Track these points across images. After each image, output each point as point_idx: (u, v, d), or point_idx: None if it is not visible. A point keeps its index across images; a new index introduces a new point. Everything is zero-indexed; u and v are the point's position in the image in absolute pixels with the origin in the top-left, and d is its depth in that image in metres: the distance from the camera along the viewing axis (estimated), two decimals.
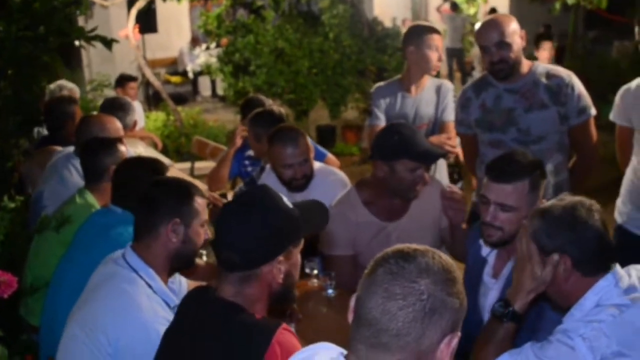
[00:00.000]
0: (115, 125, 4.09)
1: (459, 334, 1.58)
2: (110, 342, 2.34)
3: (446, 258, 1.60)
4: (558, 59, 15.23)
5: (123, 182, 3.07)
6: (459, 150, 4.37)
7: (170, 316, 2.40)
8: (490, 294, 2.79)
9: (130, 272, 2.47)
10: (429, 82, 4.50)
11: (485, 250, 2.90)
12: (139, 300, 2.39)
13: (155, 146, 7.83)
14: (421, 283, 1.52)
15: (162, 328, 2.26)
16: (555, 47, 15.35)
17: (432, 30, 4.44)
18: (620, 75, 11.64)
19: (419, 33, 4.43)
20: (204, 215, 2.57)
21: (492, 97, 3.74)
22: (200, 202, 2.55)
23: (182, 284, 2.85)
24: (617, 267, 2.26)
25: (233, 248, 2.03)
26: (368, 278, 1.59)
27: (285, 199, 2.12)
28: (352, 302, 1.63)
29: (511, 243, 2.74)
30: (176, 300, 2.51)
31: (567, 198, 2.28)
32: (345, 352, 1.63)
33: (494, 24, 3.63)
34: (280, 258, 2.05)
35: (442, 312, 1.53)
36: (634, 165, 3.79)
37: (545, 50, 6.37)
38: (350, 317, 1.62)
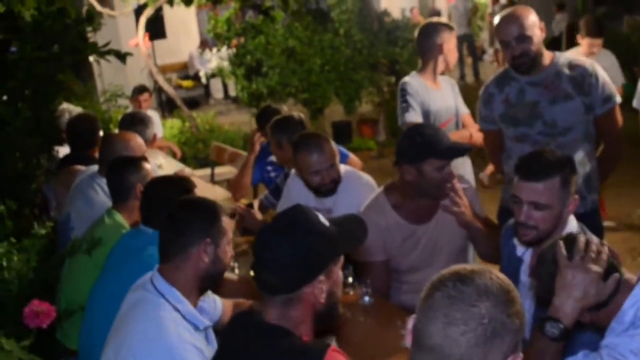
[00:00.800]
0: (138, 142, 4.10)
1: (521, 354, 1.55)
2: None
3: (503, 277, 1.57)
4: (569, 36, 15.16)
5: (152, 203, 3.07)
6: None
7: (198, 340, 2.41)
8: (530, 293, 2.75)
9: (157, 297, 2.45)
10: (441, 77, 4.57)
11: (520, 249, 2.87)
12: (165, 325, 2.37)
13: (174, 155, 7.84)
14: (481, 307, 1.50)
15: (189, 354, 2.27)
16: (566, 25, 15.31)
17: (452, 27, 4.54)
18: (631, 50, 11.58)
19: (446, 29, 4.49)
20: (230, 234, 2.57)
21: (515, 91, 3.70)
22: (226, 221, 2.54)
23: (217, 303, 2.84)
24: None
25: (273, 271, 2.02)
26: (426, 302, 1.56)
27: (321, 217, 2.10)
28: (410, 324, 1.60)
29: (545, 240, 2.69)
30: (206, 322, 2.51)
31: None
32: None
33: (513, 17, 3.58)
34: (321, 278, 2.03)
35: (503, 334, 1.50)
36: None
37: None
38: (408, 339, 1.60)
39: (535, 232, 2.70)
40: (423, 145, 3.25)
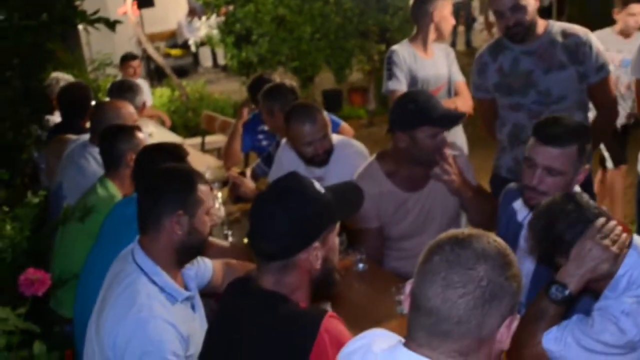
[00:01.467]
0: (129, 110, 4.08)
1: (518, 316, 1.57)
2: (110, 342, 2.32)
3: (500, 241, 1.58)
4: (559, 6, 15.11)
5: (145, 170, 3.06)
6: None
7: (176, 312, 2.39)
8: (527, 259, 2.77)
9: (135, 269, 2.44)
10: (434, 45, 4.55)
11: (521, 214, 2.87)
12: (139, 299, 2.35)
13: (164, 124, 7.82)
14: (479, 269, 1.51)
15: (159, 329, 2.26)
16: None
17: None
18: None
19: None
20: (209, 202, 2.52)
21: (509, 60, 3.70)
22: (203, 190, 2.50)
23: (207, 265, 2.83)
24: (635, 238, 2.24)
25: (268, 238, 2.03)
26: (424, 266, 1.57)
27: (316, 184, 2.11)
28: (407, 289, 1.62)
29: None
30: (185, 293, 2.47)
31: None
32: (402, 339, 1.62)
33: None
34: (316, 244, 2.04)
35: (501, 297, 1.52)
36: None
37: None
38: (406, 304, 1.61)
39: (544, 197, 2.63)
40: (416, 112, 3.24)
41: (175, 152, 3.08)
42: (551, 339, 2.23)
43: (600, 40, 3.68)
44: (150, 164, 3.00)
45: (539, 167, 2.65)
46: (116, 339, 2.30)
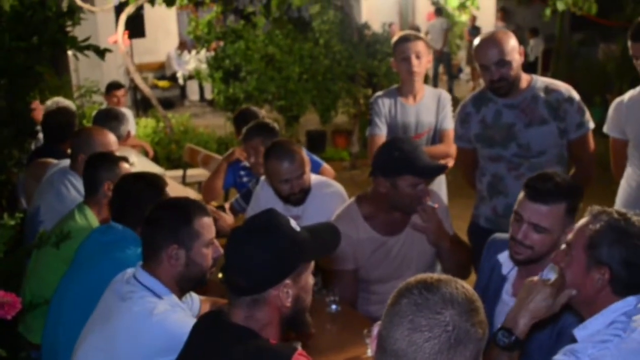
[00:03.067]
0: (108, 139, 4.05)
1: None
2: (135, 356, 2.35)
3: (468, 287, 1.61)
4: (544, 61, 15.36)
5: (123, 199, 3.06)
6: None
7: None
8: (505, 310, 2.76)
9: (143, 290, 2.46)
10: (427, 91, 4.55)
11: (505, 268, 2.88)
12: (158, 305, 2.41)
13: (147, 154, 7.80)
14: (446, 314, 1.53)
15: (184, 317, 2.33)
16: (543, 49, 15.51)
17: (406, 39, 4.44)
18: (606, 78, 11.76)
19: (395, 44, 4.48)
20: (208, 234, 2.54)
21: (492, 112, 3.74)
22: (202, 223, 2.52)
23: (195, 301, 2.84)
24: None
25: (239, 272, 2.03)
26: (392, 308, 1.59)
27: (292, 222, 2.11)
28: (375, 331, 1.63)
29: (538, 262, 2.72)
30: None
31: (635, 217, 2.23)
32: None
33: (493, 42, 3.61)
34: (288, 281, 2.04)
35: (466, 342, 1.53)
36: (628, 175, 3.81)
37: None
38: (373, 346, 1.63)
39: (530, 252, 2.70)
40: (400, 160, 3.27)
41: (153, 182, 3.08)
42: None
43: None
44: (128, 193, 3.03)
45: (525, 223, 2.67)
46: (139, 343, 2.34)
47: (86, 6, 9.71)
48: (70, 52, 5.87)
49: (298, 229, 2.11)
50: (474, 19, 17.29)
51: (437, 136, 4.50)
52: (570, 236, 2.32)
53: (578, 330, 2.26)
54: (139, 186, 3.04)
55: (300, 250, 2.07)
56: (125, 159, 3.61)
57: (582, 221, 2.30)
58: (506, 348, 2.28)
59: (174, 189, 5.89)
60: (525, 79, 3.70)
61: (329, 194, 3.85)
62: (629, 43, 3.60)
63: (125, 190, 3.06)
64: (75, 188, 3.89)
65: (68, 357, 2.59)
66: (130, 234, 2.98)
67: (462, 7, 10.17)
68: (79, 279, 2.96)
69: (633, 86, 3.86)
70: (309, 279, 2.13)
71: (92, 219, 3.45)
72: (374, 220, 3.46)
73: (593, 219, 2.26)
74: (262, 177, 4.11)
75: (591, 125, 3.71)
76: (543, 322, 2.40)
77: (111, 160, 3.55)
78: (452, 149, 4.32)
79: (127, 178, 3.19)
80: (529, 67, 13.68)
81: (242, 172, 4.97)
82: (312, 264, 2.14)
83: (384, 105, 4.47)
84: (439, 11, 15.64)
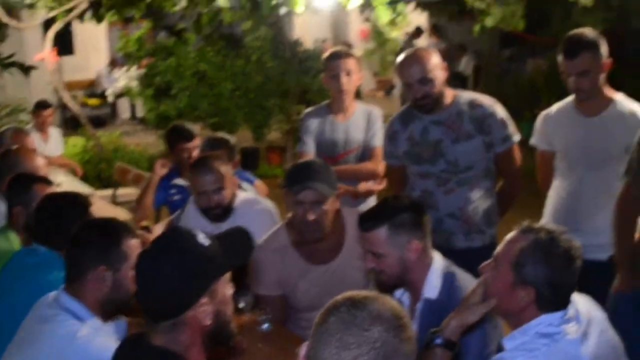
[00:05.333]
0: (36, 161, 3.93)
1: None
2: None
3: (395, 303, 1.60)
4: (475, 77, 15.62)
5: (45, 220, 2.98)
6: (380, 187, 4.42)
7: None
8: None
9: (65, 314, 2.39)
10: (358, 108, 4.50)
11: (398, 292, 2.90)
12: (80, 329, 2.34)
13: (75, 173, 7.65)
14: (374, 331, 1.51)
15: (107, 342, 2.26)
16: (474, 65, 15.77)
17: (337, 56, 4.40)
18: (534, 93, 12.02)
19: (326, 61, 4.45)
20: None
21: (419, 129, 3.76)
22: (130, 245, 2.46)
23: (121, 324, 2.76)
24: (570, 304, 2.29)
25: (152, 298, 1.96)
26: (320, 327, 1.57)
27: (200, 236, 2.02)
28: (302, 351, 1.60)
29: (408, 284, 2.81)
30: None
31: (563, 236, 2.27)
32: None
33: (415, 60, 3.63)
34: (204, 300, 1.96)
35: (395, 359, 1.51)
36: (556, 186, 3.87)
37: None
38: None
39: (384, 276, 2.77)
40: (287, 174, 3.34)
41: (76, 201, 3.01)
42: None
43: None
44: (50, 214, 2.95)
45: (366, 251, 2.78)
46: None
47: (12, 22, 9.49)
48: None
49: (207, 242, 2.01)
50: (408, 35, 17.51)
51: (366, 154, 4.47)
52: (498, 249, 2.34)
53: (506, 340, 2.29)
54: (61, 206, 2.97)
55: (212, 266, 1.99)
56: (46, 180, 3.51)
57: (510, 236, 2.32)
58: (436, 346, 2.33)
59: (104, 209, 5.78)
60: (449, 94, 3.73)
61: (257, 211, 3.81)
62: (560, 60, 3.66)
63: (47, 211, 2.98)
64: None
65: None
66: (54, 257, 2.89)
67: (392, 23, 10.25)
68: (1, 302, 2.85)
69: (561, 100, 3.93)
70: (226, 291, 2.05)
71: (16, 242, 3.34)
72: (303, 247, 3.39)
73: (521, 236, 2.28)
74: (192, 197, 4.04)
75: (516, 138, 3.77)
76: (472, 326, 2.43)
77: (23, 182, 3.42)
78: (380, 166, 4.31)
79: (49, 198, 3.10)
80: (461, 80, 13.89)
81: (172, 191, 4.89)
82: (228, 275, 2.07)
83: (313, 122, 4.45)
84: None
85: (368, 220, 2.75)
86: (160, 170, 4.71)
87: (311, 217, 3.21)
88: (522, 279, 2.23)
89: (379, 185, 4.39)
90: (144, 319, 2.01)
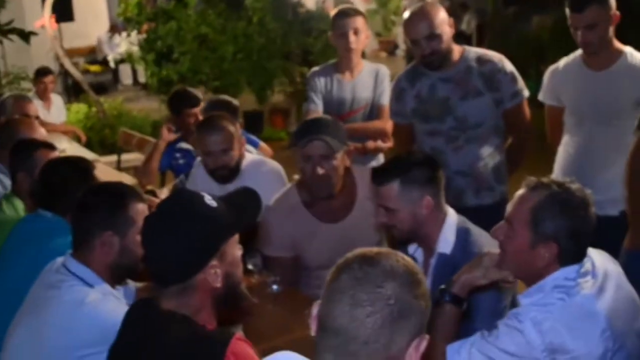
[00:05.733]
0: (34, 130, 3.89)
1: (427, 336, 1.54)
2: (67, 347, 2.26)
3: (408, 260, 1.55)
4: (479, 36, 15.48)
5: (49, 185, 2.95)
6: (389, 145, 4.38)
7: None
8: None
9: (73, 279, 2.37)
10: (365, 67, 4.46)
11: (411, 248, 2.90)
12: (89, 293, 2.33)
13: (79, 140, 7.62)
14: (387, 287, 1.47)
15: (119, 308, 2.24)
16: (476, 24, 15.62)
17: (345, 14, 4.36)
18: (540, 50, 11.91)
19: (334, 19, 4.41)
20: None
21: (426, 86, 3.70)
22: (137, 209, 2.42)
23: (130, 289, 2.76)
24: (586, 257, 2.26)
25: (160, 262, 1.94)
26: (331, 285, 1.53)
27: (207, 198, 2.00)
28: (314, 310, 1.56)
29: (421, 238, 2.82)
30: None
31: (573, 186, 2.24)
32: None
33: (421, 16, 3.56)
34: (214, 262, 1.94)
35: (409, 315, 1.48)
36: (565, 142, 3.84)
37: None
38: (313, 326, 1.56)
39: (397, 230, 2.79)
40: (296, 130, 3.32)
41: (80, 166, 2.98)
42: (455, 351, 2.22)
43: None
44: (54, 179, 2.92)
45: (379, 205, 2.78)
46: (71, 334, 2.25)
47: None
48: None
49: (214, 204, 1.99)
50: None
51: (374, 112, 4.44)
52: (508, 210, 2.31)
53: (522, 297, 2.28)
54: (65, 171, 2.94)
55: (220, 228, 1.97)
56: (49, 145, 3.47)
57: (518, 195, 2.29)
58: (444, 302, 2.34)
59: (109, 174, 5.76)
60: (457, 50, 3.68)
61: (264, 172, 3.78)
62: (568, 13, 3.59)
63: (51, 177, 2.94)
64: (1, 182, 3.75)
65: None
66: (60, 222, 2.86)
67: None
68: (8, 270, 2.84)
69: (566, 57, 3.87)
70: (236, 252, 2.04)
71: (21, 209, 3.31)
72: (314, 206, 3.36)
73: (531, 192, 2.24)
74: (199, 158, 4.01)
75: (526, 93, 3.72)
76: (483, 287, 2.43)
77: (26, 148, 3.39)
78: (389, 125, 4.27)
79: (52, 163, 3.07)
80: (464, 39, 13.76)
81: (177, 154, 4.87)
82: (236, 236, 2.04)
83: (320, 81, 4.41)
84: None
85: (381, 175, 2.75)
86: (167, 135, 4.69)
87: (320, 171, 3.18)
88: (542, 235, 2.19)
89: (387, 143, 4.36)
90: (152, 283, 1.99)
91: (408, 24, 3.62)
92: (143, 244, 1.98)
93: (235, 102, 4.65)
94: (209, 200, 1.99)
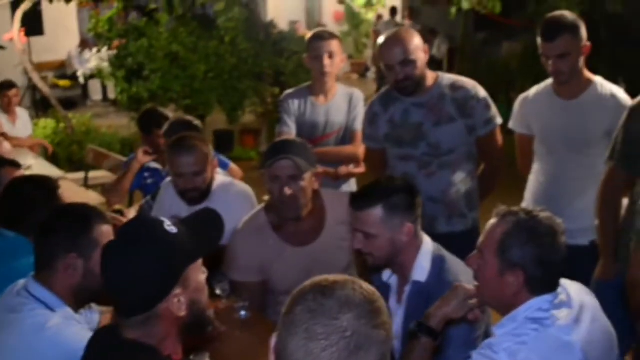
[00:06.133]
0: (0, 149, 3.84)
1: None
2: None
3: (368, 287, 1.50)
4: (450, 61, 15.62)
5: (12, 203, 2.90)
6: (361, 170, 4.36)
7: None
8: (395, 320, 2.73)
9: (34, 302, 2.31)
10: (340, 90, 4.44)
11: (385, 274, 2.87)
12: (50, 318, 2.27)
13: (46, 155, 7.52)
14: (343, 319, 1.42)
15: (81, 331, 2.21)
16: (447, 49, 15.77)
17: (320, 37, 4.33)
18: (509, 76, 12.03)
19: (309, 41, 4.38)
20: None
21: (399, 111, 3.69)
22: (101, 231, 2.36)
23: (94, 314, 2.69)
24: (560, 287, 2.25)
25: (121, 292, 1.87)
26: (287, 317, 1.47)
27: (166, 223, 1.92)
28: (273, 342, 1.51)
29: (397, 265, 2.78)
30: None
31: (542, 214, 2.25)
32: None
33: (396, 41, 3.55)
34: (177, 291, 1.87)
35: (368, 347, 1.43)
36: (536, 170, 3.84)
37: None
38: (272, 358, 1.51)
39: (372, 258, 2.76)
40: (264, 153, 3.29)
41: (44, 184, 2.93)
42: None
43: None
44: (17, 197, 2.88)
45: (355, 231, 2.74)
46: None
47: None
48: None
49: (174, 230, 1.91)
50: (379, 17, 17.47)
51: (347, 136, 4.42)
52: (480, 240, 2.31)
53: (496, 328, 2.26)
54: (29, 190, 2.89)
55: (182, 254, 1.90)
56: (14, 163, 3.41)
57: (490, 224, 2.30)
58: (413, 334, 2.32)
59: (76, 192, 5.68)
60: (431, 76, 3.67)
61: (234, 194, 3.72)
62: (539, 42, 3.61)
63: (14, 194, 2.90)
64: None
65: None
66: (22, 242, 2.80)
67: (368, 4, 10.22)
68: None
69: (536, 84, 3.89)
70: (200, 277, 1.96)
71: None
72: (282, 229, 3.32)
73: (500, 221, 2.25)
74: (167, 179, 3.95)
75: (499, 120, 3.72)
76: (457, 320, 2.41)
77: None
78: (361, 150, 4.25)
79: (16, 181, 3.03)
80: (436, 65, 13.86)
81: (146, 174, 4.81)
82: (200, 261, 1.98)
83: (294, 103, 4.37)
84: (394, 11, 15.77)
85: (362, 199, 2.72)
86: (143, 157, 4.61)
87: (288, 192, 3.14)
88: (508, 263, 2.19)
89: (360, 169, 4.34)
90: (114, 312, 1.93)
91: (383, 49, 3.61)
92: (102, 273, 1.90)
93: (196, 122, 4.58)
94: (168, 226, 1.92)
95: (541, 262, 2.18)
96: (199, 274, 1.96)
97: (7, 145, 3.90)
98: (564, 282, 2.28)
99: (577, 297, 2.26)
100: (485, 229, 2.30)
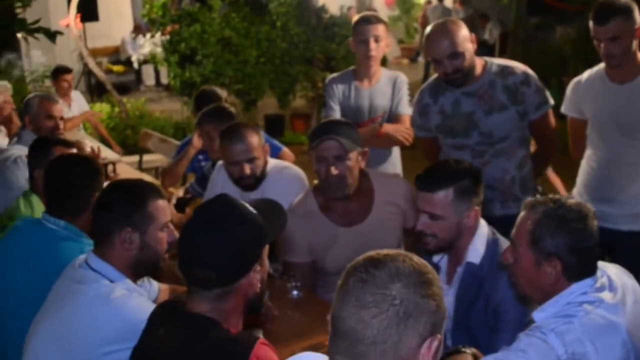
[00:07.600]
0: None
1: (440, 336, 1.56)
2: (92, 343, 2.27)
3: (419, 260, 1.58)
4: (502, 45, 15.44)
5: (54, 187, 2.95)
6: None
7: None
8: (446, 300, 2.75)
9: (96, 275, 2.38)
10: (384, 74, 4.44)
11: (436, 257, 2.89)
12: (113, 288, 2.34)
13: (102, 140, 7.66)
14: (392, 288, 1.51)
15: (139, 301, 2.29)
16: (499, 33, 15.60)
17: (367, 21, 4.34)
18: (562, 61, 11.86)
19: (355, 25, 4.38)
20: (164, 218, 2.45)
21: (450, 102, 3.67)
22: (157, 206, 2.43)
23: (154, 285, 2.77)
24: (599, 270, 2.26)
25: (206, 266, 1.95)
26: (340, 289, 1.57)
27: (248, 207, 2.04)
28: (330, 315, 1.59)
29: (453, 248, 2.79)
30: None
31: (570, 200, 2.26)
32: None
33: (443, 34, 3.50)
34: (257, 267, 2.00)
35: (417, 315, 1.51)
36: (588, 156, 3.81)
37: None
38: (329, 328, 1.59)
39: (435, 240, 2.77)
40: (310, 134, 3.30)
41: (85, 164, 2.98)
42: None
43: None
44: (58, 175, 2.93)
45: (422, 213, 2.74)
46: (96, 329, 2.26)
47: None
48: (20, 35, 5.72)
49: (255, 210, 2.04)
50: (429, 2, 17.33)
51: (391, 120, 4.42)
52: (512, 232, 2.33)
53: (537, 312, 2.28)
54: (71, 167, 2.95)
55: (263, 234, 2.03)
56: (66, 142, 3.48)
57: (520, 216, 2.31)
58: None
59: (130, 174, 5.79)
60: (479, 64, 3.63)
61: (287, 178, 3.77)
62: (591, 25, 3.57)
63: (56, 177, 2.95)
64: (24, 175, 3.77)
65: (20, 347, 2.48)
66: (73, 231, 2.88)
67: None
68: (21, 276, 2.83)
69: (589, 68, 3.84)
70: (266, 259, 2.09)
71: (38, 206, 3.31)
72: (331, 210, 3.36)
73: (530, 212, 2.27)
74: (219, 162, 4.02)
75: (551, 102, 3.69)
76: (474, 298, 2.52)
77: (43, 145, 3.42)
78: (406, 131, 4.27)
79: (59, 160, 3.07)
80: (487, 50, 13.73)
81: (200, 157, 4.89)
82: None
83: (338, 88, 4.41)
84: None
85: (433, 181, 2.72)
86: (198, 142, 4.69)
87: (334, 171, 3.18)
88: (543, 253, 2.21)
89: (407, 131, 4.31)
90: (190, 286, 2.00)
91: (429, 42, 3.58)
92: (184, 248, 1.99)
93: (220, 91, 4.67)
94: (250, 208, 2.04)
95: (575, 249, 2.19)
96: (266, 254, 2.08)
97: (88, 143, 4.01)
98: (603, 264, 2.29)
99: (617, 280, 2.27)
100: (516, 222, 2.32)
